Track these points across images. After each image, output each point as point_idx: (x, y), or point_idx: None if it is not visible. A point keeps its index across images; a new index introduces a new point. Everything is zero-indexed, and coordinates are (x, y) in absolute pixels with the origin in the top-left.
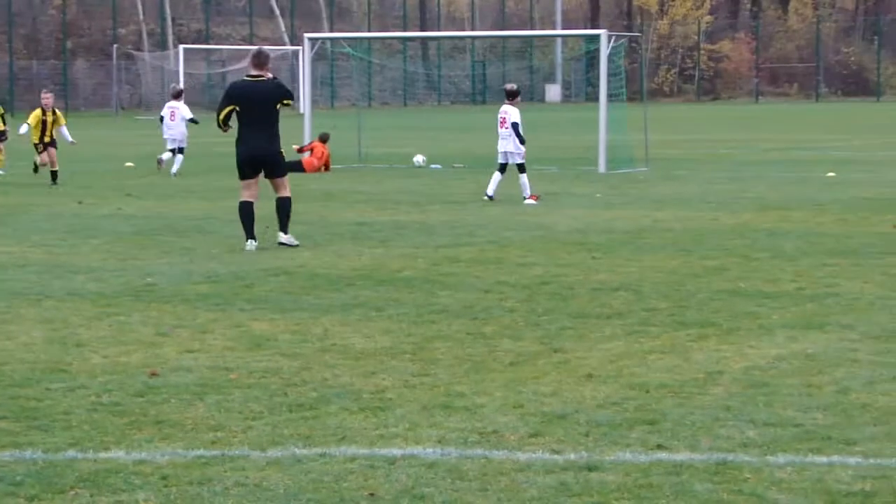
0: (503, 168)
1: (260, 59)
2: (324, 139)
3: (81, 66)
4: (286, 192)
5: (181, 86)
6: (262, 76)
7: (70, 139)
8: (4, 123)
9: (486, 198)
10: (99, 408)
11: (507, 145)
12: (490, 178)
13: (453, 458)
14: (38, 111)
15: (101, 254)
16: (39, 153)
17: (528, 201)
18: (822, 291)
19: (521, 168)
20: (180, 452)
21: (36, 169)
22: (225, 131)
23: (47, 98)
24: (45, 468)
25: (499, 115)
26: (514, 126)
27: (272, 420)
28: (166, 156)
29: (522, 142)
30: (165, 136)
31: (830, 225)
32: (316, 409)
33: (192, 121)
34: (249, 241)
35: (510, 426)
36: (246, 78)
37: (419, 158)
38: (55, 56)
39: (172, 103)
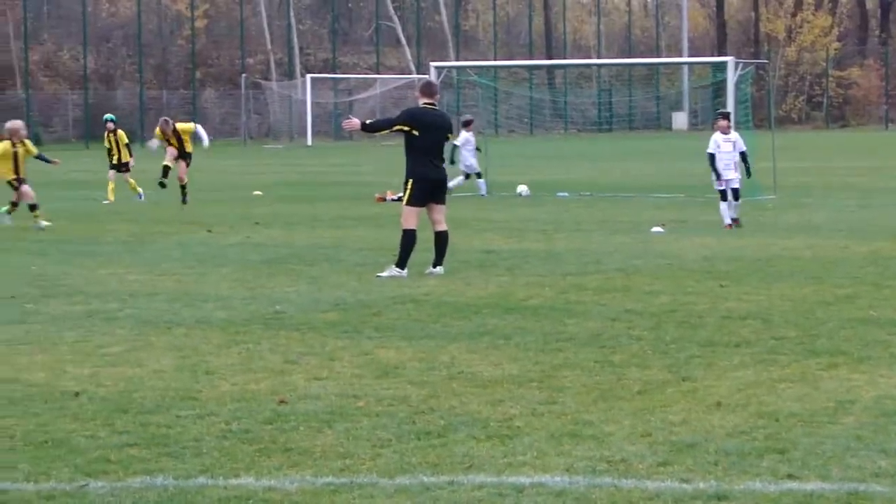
0: None
1: (432, 89)
2: None
3: (210, 95)
4: (446, 224)
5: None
6: (436, 105)
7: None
8: (131, 154)
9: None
10: (228, 435)
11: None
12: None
13: (582, 486)
14: (158, 131)
15: (230, 282)
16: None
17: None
18: None
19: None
20: (309, 479)
21: (165, 174)
22: (367, 133)
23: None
24: (175, 495)
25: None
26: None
27: (400, 448)
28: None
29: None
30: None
31: None
32: (444, 436)
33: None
34: (406, 270)
35: (639, 455)
36: (425, 106)
37: (523, 188)
38: (184, 86)
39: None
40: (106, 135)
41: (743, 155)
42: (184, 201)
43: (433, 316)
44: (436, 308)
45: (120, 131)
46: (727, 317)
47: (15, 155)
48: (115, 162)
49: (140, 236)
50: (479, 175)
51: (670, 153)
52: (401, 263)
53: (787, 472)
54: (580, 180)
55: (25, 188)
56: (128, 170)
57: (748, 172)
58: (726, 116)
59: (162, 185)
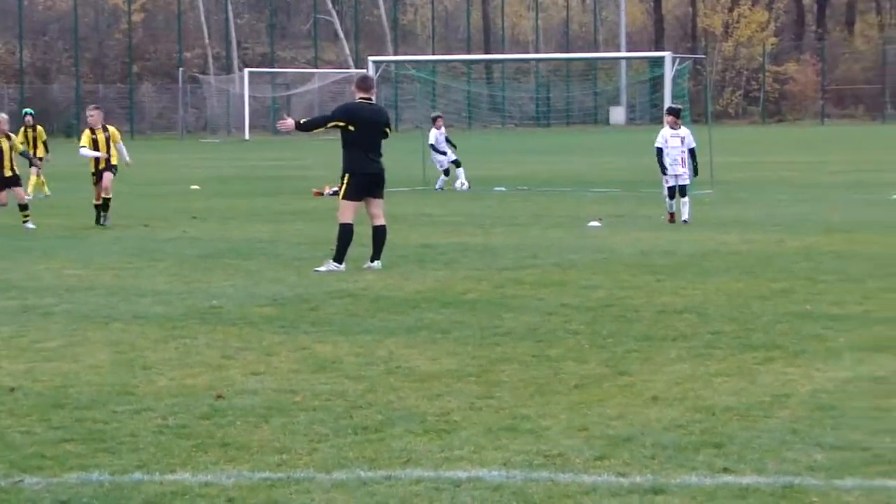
0: None
1: (368, 84)
2: None
3: (147, 89)
4: (384, 219)
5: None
6: (373, 100)
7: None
8: (47, 150)
9: None
10: (165, 430)
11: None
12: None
13: (519, 480)
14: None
15: (167, 277)
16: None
17: None
18: (890, 314)
19: None
20: (246, 475)
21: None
22: (303, 131)
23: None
24: (111, 490)
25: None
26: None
27: (337, 442)
28: None
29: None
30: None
31: None
32: (381, 431)
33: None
34: (343, 265)
35: (575, 449)
36: (361, 101)
37: (460, 182)
38: (121, 80)
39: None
40: (23, 129)
41: (692, 152)
42: (100, 221)
43: (371, 310)
44: (373, 302)
45: (39, 127)
46: (663, 311)
47: (0, 151)
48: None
49: (76, 231)
50: (457, 164)
51: (608, 148)
52: (338, 258)
53: (723, 465)
54: (518, 175)
55: (18, 190)
56: (39, 166)
57: (695, 171)
58: (672, 112)
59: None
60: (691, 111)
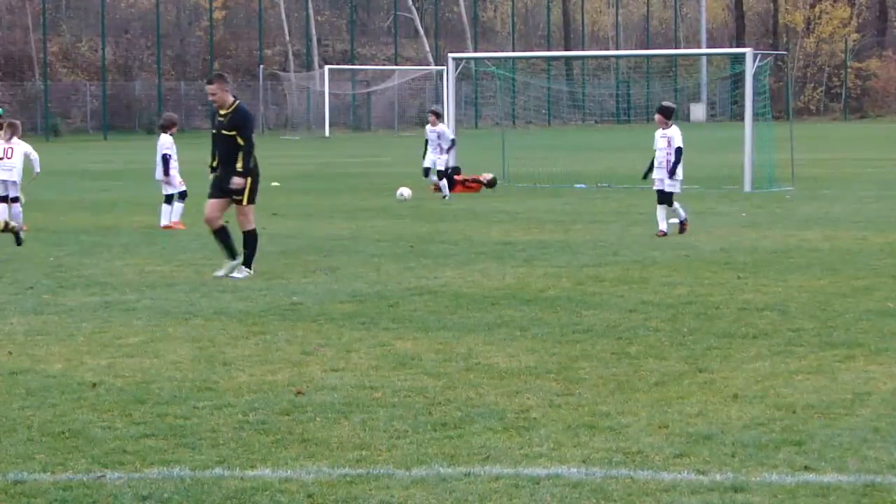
0: None
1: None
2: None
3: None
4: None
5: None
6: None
7: None
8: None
9: None
10: (245, 426)
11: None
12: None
13: (598, 478)
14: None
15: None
16: None
17: None
18: None
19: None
20: (325, 471)
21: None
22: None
23: None
24: (192, 486)
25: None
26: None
27: (416, 439)
28: None
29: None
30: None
31: None
32: (460, 428)
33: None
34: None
35: (655, 446)
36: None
37: (404, 192)
38: (202, 77)
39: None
40: None
41: (678, 151)
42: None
43: (450, 307)
44: (453, 299)
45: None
46: (744, 308)
47: None
48: None
49: (157, 227)
50: (426, 173)
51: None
52: (248, 262)
53: (803, 463)
54: (598, 172)
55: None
56: None
57: (671, 172)
58: (661, 111)
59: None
60: (772, 108)
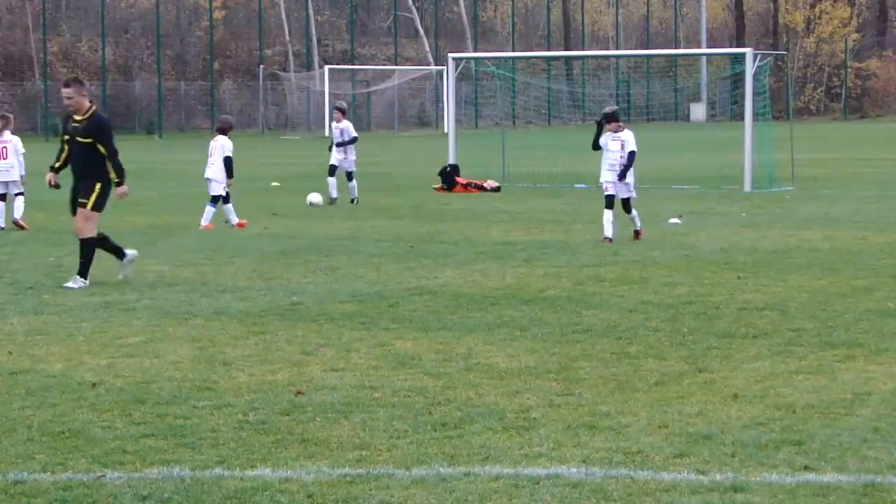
0: None
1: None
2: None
3: (228, 86)
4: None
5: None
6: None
7: None
8: None
9: None
10: (245, 426)
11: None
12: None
13: (598, 478)
14: None
15: (248, 273)
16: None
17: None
18: None
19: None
20: (325, 471)
21: None
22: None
23: None
24: (192, 486)
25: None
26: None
27: (416, 439)
28: None
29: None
30: None
31: None
32: (460, 428)
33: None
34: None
35: (655, 446)
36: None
37: (314, 198)
38: (202, 77)
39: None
40: None
41: (630, 155)
42: None
43: (450, 307)
44: (452, 299)
45: None
46: (744, 308)
47: None
48: None
49: (158, 227)
50: (332, 171)
51: (688, 145)
52: (84, 272)
53: (803, 463)
54: (598, 172)
55: None
56: None
57: (622, 174)
58: (609, 117)
59: None
60: (772, 108)
